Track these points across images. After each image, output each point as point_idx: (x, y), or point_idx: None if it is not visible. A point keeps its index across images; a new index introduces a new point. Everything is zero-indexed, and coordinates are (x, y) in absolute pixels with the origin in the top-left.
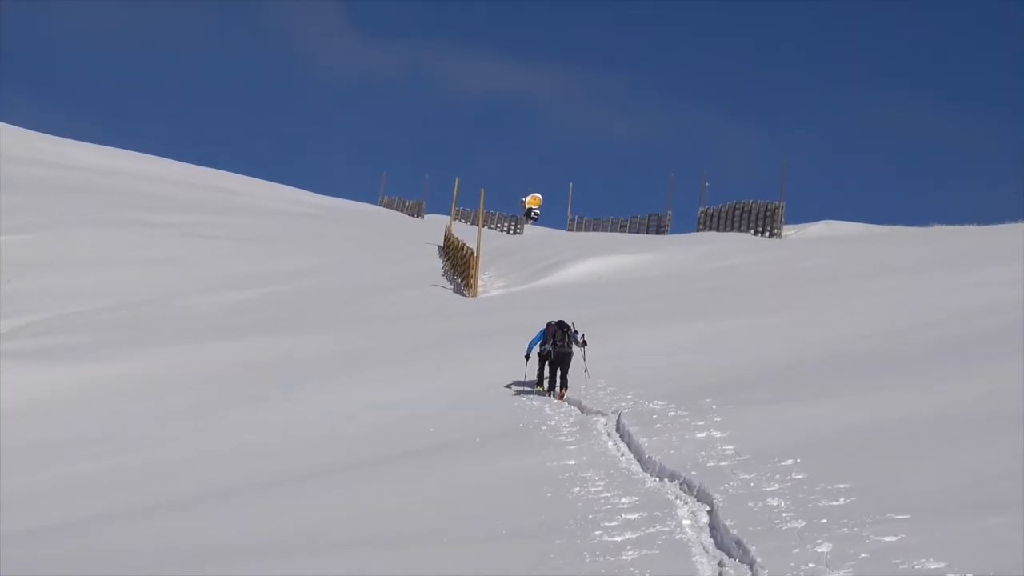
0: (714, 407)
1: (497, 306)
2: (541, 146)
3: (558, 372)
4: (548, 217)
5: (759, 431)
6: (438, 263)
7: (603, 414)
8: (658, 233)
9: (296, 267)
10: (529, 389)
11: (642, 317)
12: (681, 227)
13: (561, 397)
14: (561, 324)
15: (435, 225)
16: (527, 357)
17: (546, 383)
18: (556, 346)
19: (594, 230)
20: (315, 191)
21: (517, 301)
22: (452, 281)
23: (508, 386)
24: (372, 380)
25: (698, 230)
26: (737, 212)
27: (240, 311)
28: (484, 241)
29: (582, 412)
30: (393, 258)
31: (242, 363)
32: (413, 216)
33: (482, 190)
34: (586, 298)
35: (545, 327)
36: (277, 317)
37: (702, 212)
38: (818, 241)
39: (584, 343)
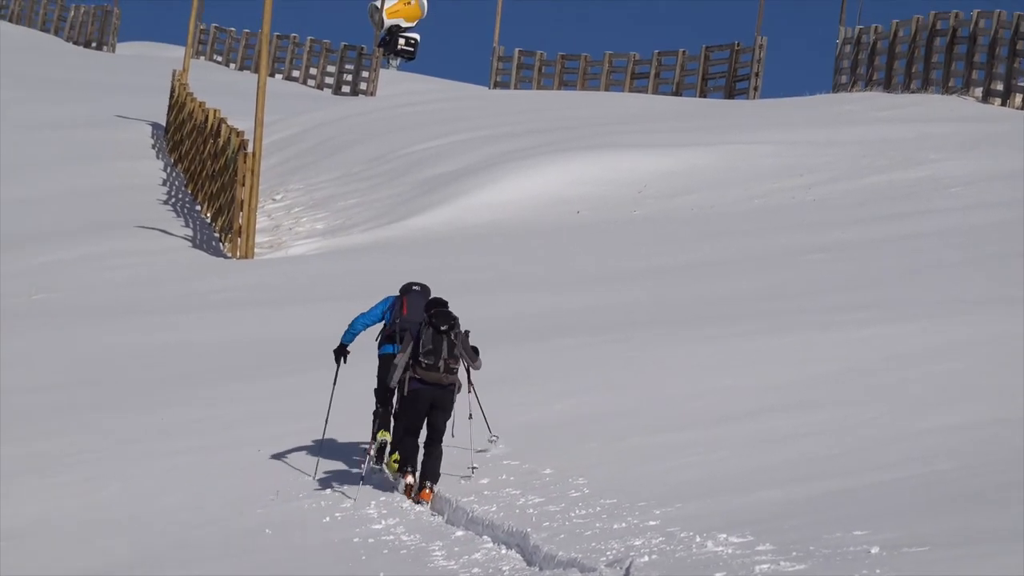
0: (883, 555)
1: (299, 286)
2: None
3: (422, 430)
4: (448, 53)
5: None
6: (155, 168)
7: (589, 569)
8: (731, 96)
9: None
10: (352, 469)
11: (685, 320)
12: (787, 82)
13: (425, 497)
14: (438, 308)
15: (146, 70)
16: (340, 354)
17: (389, 448)
18: (424, 364)
19: (562, 87)
20: None
21: (352, 271)
22: (189, 218)
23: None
24: None
25: (835, 89)
26: (937, 39)
27: None
28: (278, 114)
29: (527, 561)
30: (28, 155)
31: None
32: (89, 47)
33: None
34: (537, 265)
35: (396, 299)
36: None
37: (846, 39)
38: None
39: (475, 352)
